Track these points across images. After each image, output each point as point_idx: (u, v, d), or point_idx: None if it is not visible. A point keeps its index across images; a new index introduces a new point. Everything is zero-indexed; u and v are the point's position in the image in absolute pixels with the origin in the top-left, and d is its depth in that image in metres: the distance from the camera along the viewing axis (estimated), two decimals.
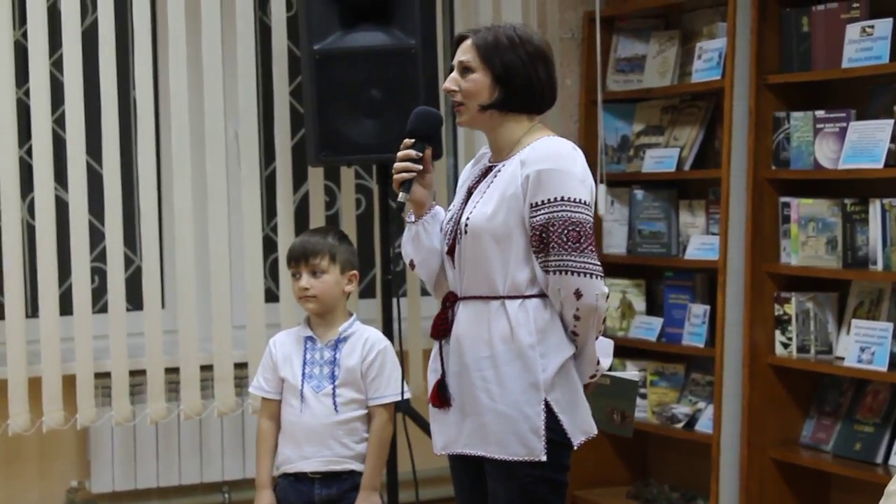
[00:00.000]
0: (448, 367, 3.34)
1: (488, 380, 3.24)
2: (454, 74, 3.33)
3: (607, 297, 3.25)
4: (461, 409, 3.30)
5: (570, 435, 3.25)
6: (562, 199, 3.18)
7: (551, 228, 3.18)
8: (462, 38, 3.34)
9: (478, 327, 3.26)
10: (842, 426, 4.76)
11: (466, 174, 3.48)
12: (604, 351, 3.36)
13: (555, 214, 3.18)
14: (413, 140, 3.35)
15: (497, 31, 3.30)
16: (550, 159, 3.21)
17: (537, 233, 3.20)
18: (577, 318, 3.22)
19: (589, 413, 3.31)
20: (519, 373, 3.22)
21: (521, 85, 3.28)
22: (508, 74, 3.27)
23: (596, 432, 3.33)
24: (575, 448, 3.28)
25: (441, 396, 3.35)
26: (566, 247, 3.17)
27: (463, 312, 3.30)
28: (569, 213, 3.18)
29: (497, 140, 3.35)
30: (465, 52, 3.31)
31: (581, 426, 3.28)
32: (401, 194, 3.33)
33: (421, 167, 3.34)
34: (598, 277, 3.20)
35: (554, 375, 3.22)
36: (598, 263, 3.22)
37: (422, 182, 3.37)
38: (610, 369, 3.48)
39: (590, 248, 3.19)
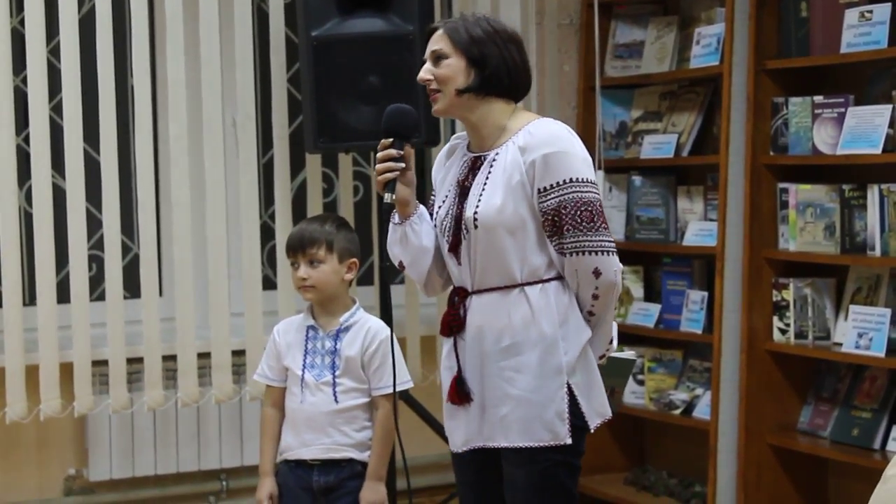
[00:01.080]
0: (465, 362, 3.31)
1: (512, 367, 3.23)
2: (427, 65, 3.30)
3: (623, 273, 3.26)
4: (481, 403, 3.28)
5: (587, 418, 3.26)
6: (571, 181, 3.18)
7: (563, 211, 3.17)
8: (433, 30, 3.33)
9: (497, 317, 3.24)
10: (839, 412, 4.76)
11: (442, 166, 3.43)
12: (614, 331, 3.38)
13: (566, 196, 3.17)
14: (391, 140, 3.31)
15: (466, 19, 3.30)
16: (553, 142, 3.20)
17: (549, 217, 3.19)
18: (595, 296, 3.22)
19: (604, 395, 3.32)
20: (542, 358, 3.21)
21: (496, 66, 3.25)
22: (483, 56, 3.24)
23: (611, 415, 3.33)
24: (592, 431, 3.28)
25: (460, 392, 3.31)
26: (581, 227, 3.17)
27: (478, 305, 3.28)
28: (580, 194, 3.18)
29: (479, 127, 3.30)
30: (436, 42, 3.29)
31: (598, 409, 3.29)
32: (387, 195, 3.29)
33: (403, 165, 3.31)
34: (614, 254, 3.22)
35: (576, 359, 3.23)
36: (613, 240, 3.23)
37: (403, 180, 3.32)
38: None
39: (603, 225, 3.20)
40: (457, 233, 3.29)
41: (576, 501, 3.32)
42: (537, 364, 3.21)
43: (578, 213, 3.17)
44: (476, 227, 3.23)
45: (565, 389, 3.22)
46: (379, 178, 3.31)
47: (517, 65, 3.28)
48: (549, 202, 3.19)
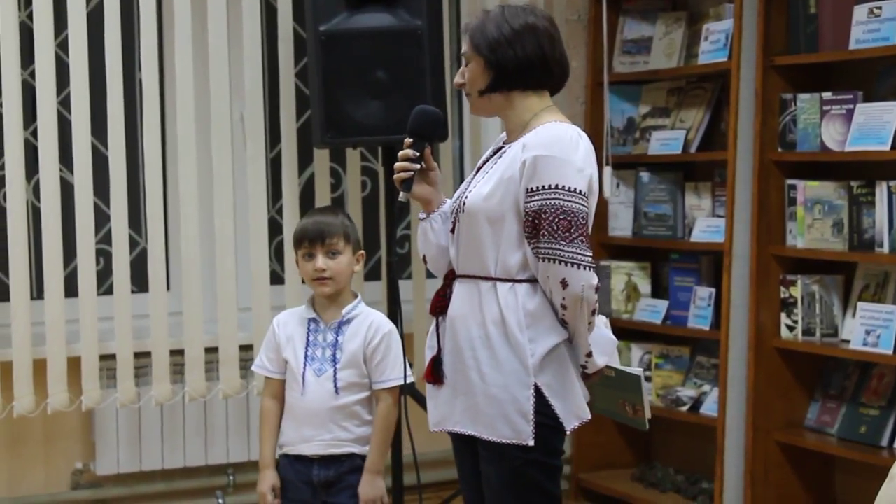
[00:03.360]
0: (444, 344, 3.35)
1: (480, 360, 3.25)
2: (461, 68, 3.39)
3: (596, 288, 3.21)
4: (453, 387, 3.32)
5: (562, 419, 3.25)
6: (556, 187, 3.17)
7: (543, 215, 3.17)
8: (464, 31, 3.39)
9: (470, 307, 3.28)
10: (847, 409, 4.75)
11: (485, 156, 3.50)
12: (603, 349, 3.33)
13: (547, 202, 3.17)
14: (413, 140, 3.39)
15: (486, 15, 3.32)
16: (549, 145, 3.20)
17: (530, 218, 3.20)
18: (563, 306, 3.22)
19: (583, 398, 3.30)
20: (508, 356, 3.22)
21: (509, 62, 3.27)
22: (495, 55, 3.27)
23: (589, 417, 3.31)
24: (568, 433, 3.28)
25: (435, 373, 3.36)
26: (556, 235, 3.16)
27: (458, 291, 3.32)
28: (561, 202, 3.17)
29: (508, 122, 3.36)
30: (464, 45, 3.35)
31: (575, 411, 3.27)
32: (401, 193, 3.39)
33: (418, 166, 3.38)
34: (586, 268, 3.18)
35: (543, 359, 3.22)
36: (588, 254, 3.19)
37: (426, 180, 3.42)
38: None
39: (580, 238, 3.17)
40: (456, 216, 3.35)
41: (556, 500, 3.32)
42: (504, 361, 3.23)
43: (556, 220, 3.17)
44: (463, 211, 3.29)
45: (531, 390, 3.22)
46: (395, 176, 3.39)
47: (530, 56, 3.28)
48: (531, 204, 3.19)
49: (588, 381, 3.35)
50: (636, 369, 3.47)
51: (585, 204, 3.20)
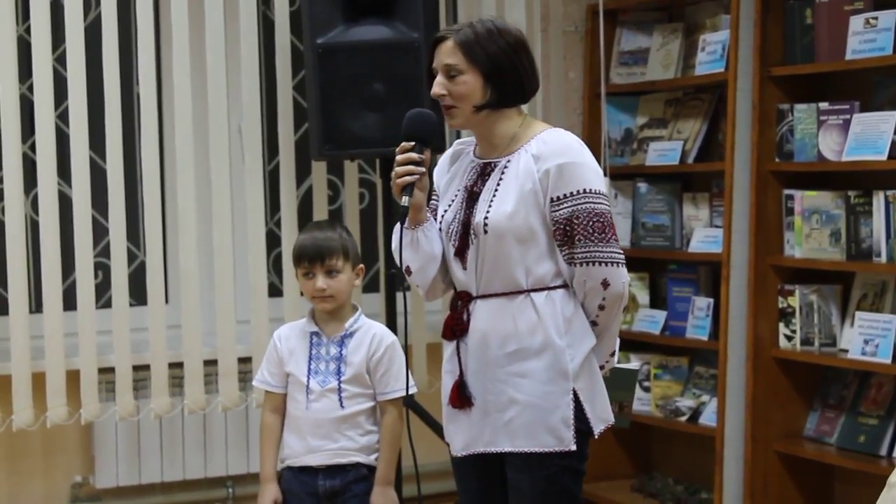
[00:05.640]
0: (467, 366, 3.30)
1: (517, 373, 3.23)
2: (441, 78, 3.26)
3: (630, 284, 3.30)
4: (484, 408, 3.28)
5: (592, 424, 3.27)
6: (584, 192, 3.19)
7: (576, 221, 3.18)
8: (441, 39, 3.27)
9: (502, 323, 3.25)
10: (846, 419, 4.75)
11: (446, 171, 3.41)
12: (616, 344, 3.39)
13: (578, 207, 3.18)
14: (412, 143, 3.26)
15: (476, 27, 3.24)
16: (567, 153, 3.21)
17: (561, 226, 3.20)
18: (601, 307, 3.24)
19: (608, 401, 3.33)
20: (548, 364, 3.22)
21: (511, 79, 3.25)
22: (499, 71, 3.23)
23: (613, 420, 3.34)
24: (596, 436, 3.29)
25: (461, 396, 3.31)
26: (592, 238, 3.18)
27: (483, 310, 3.27)
28: (592, 205, 3.19)
29: (491, 136, 3.30)
30: (449, 55, 3.24)
31: (601, 414, 3.29)
32: (404, 198, 3.24)
33: (423, 170, 3.26)
34: (623, 266, 3.23)
35: (580, 365, 3.24)
36: (622, 252, 3.24)
37: (419, 185, 3.28)
38: None
39: (614, 237, 3.22)
40: (464, 237, 3.28)
41: None
42: (544, 370, 3.22)
43: (590, 223, 3.18)
44: (486, 232, 3.22)
45: (571, 395, 3.23)
46: (398, 180, 3.25)
47: (527, 72, 3.29)
48: (561, 212, 3.19)
49: None
50: (633, 364, 3.47)
51: (609, 204, 3.24)
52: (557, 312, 3.23)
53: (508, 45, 3.24)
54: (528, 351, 3.22)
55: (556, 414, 3.22)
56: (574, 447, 3.23)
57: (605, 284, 3.21)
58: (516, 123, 3.30)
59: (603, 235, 3.19)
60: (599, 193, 3.21)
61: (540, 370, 3.22)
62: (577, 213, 3.18)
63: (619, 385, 3.47)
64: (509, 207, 3.21)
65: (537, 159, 3.21)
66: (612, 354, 3.36)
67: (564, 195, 3.19)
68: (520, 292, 3.24)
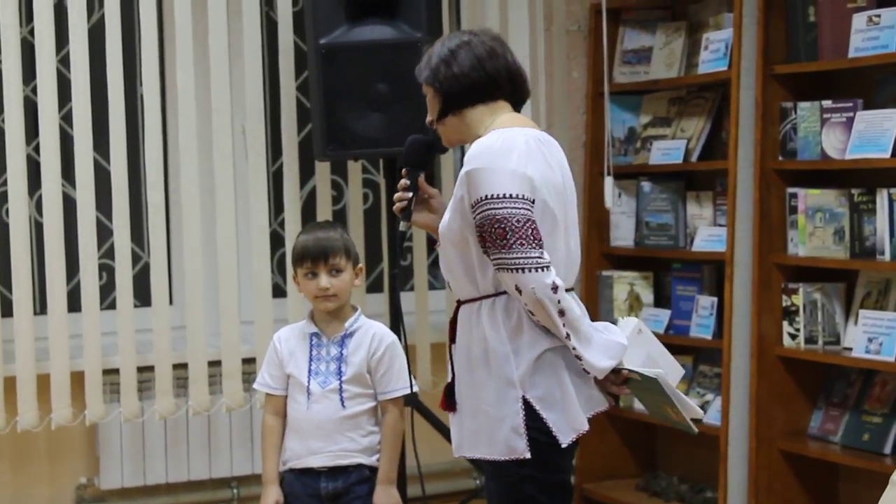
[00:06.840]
0: (455, 371, 3.35)
1: (472, 382, 3.25)
2: None
3: (554, 288, 3.12)
4: (461, 413, 3.32)
5: (555, 433, 3.19)
6: (484, 198, 3.14)
7: (483, 228, 3.15)
8: None
9: (463, 331, 3.29)
10: (850, 417, 4.75)
11: None
12: (607, 352, 3.22)
13: (482, 214, 3.15)
14: (408, 170, 3.42)
15: (429, 48, 3.35)
16: (477, 157, 3.18)
17: (478, 234, 3.18)
18: (530, 311, 3.18)
19: (579, 408, 3.21)
20: (492, 372, 3.20)
21: (451, 81, 3.27)
22: (438, 78, 3.28)
23: (587, 428, 3.22)
24: (563, 447, 3.20)
25: (448, 401, 3.35)
26: (497, 244, 3.13)
27: (459, 316, 3.32)
28: (493, 211, 3.13)
29: (469, 141, 3.33)
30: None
31: (570, 423, 3.20)
32: (402, 223, 3.43)
33: (410, 195, 3.39)
34: (533, 270, 3.11)
35: (530, 372, 3.19)
36: (533, 255, 3.12)
37: (427, 207, 3.44)
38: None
39: (519, 241, 3.12)
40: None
41: None
42: (489, 378, 3.21)
43: (493, 230, 3.13)
44: (439, 241, 3.34)
45: (520, 404, 3.18)
46: (393, 207, 3.45)
47: (468, 73, 3.26)
48: (475, 219, 3.18)
49: (610, 387, 3.29)
50: (655, 371, 3.27)
51: (521, 206, 3.13)
52: (498, 320, 3.20)
53: (448, 51, 3.28)
54: (477, 360, 3.24)
55: (506, 422, 3.19)
56: (528, 455, 3.18)
57: (518, 290, 3.14)
58: (483, 126, 3.29)
59: (504, 241, 3.11)
60: (503, 197, 3.13)
61: (485, 378, 3.22)
62: (482, 220, 3.15)
63: (655, 390, 3.30)
64: (448, 216, 3.26)
65: (465, 166, 3.22)
66: (579, 359, 3.18)
67: (474, 203, 3.16)
68: (475, 300, 3.26)
